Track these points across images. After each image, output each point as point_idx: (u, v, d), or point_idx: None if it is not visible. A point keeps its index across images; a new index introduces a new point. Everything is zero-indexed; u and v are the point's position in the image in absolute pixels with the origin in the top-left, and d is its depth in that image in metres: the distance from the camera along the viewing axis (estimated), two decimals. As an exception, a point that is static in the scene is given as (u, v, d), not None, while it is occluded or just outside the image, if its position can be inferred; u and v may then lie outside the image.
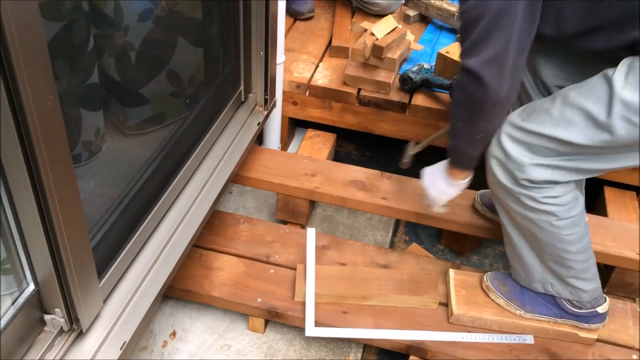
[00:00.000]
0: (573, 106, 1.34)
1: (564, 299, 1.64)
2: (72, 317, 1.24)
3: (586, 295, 1.63)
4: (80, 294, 1.21)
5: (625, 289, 1.96)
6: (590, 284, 1.62)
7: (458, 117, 1.48)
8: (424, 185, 1.71)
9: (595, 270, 1.62)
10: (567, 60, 1.58)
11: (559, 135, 1.36)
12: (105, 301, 1.35)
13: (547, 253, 1.57)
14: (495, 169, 1.50)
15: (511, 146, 1.44)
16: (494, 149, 1.50)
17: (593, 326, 1.67)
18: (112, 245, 1.40)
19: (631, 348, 1.71)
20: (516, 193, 1.48)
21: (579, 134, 1.34)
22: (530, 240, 1.58)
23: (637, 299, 1.98)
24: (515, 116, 1.46)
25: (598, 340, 1.70)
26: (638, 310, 1.81)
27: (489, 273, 1.76)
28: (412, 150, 1.95)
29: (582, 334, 1.68)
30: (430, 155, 1.93)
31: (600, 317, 1.67)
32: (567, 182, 1.46)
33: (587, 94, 1.33)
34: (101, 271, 1.33)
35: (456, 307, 1.71)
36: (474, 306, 1.72)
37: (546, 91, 1.65)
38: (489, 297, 1.73)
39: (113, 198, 1.47)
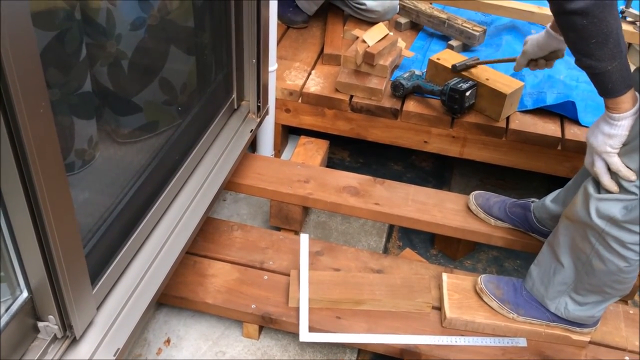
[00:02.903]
0: None
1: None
2: (66, 324, 1.25)
3: (591, 320, 1.66)
4: (73, 301, 1.22)
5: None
6: (602, 311, 1.64)
7: (575, 41, 1.34)
8: (588, 138, 1.49)
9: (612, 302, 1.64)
10: None
11: None
12: (98, 308, 1.36)
13: (589, 284, 1.56)
14: (591, 202, 1.46)
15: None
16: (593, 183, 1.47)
17: (585, 330, 1.68)
18: (105, 252, 1.41)
19: (623, 350, 1.72)
20: (602, 232, 1.46)
21: None
22: (581, 269, 1.56)
23: (629, 301, 1.99)
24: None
25: (591, 342, 1.71)
26: (630, 312, 1.82)
27: (482, 276, 1.77)
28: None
29: (575, 337, 1.69)
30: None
31: (593, 320, 1.68)
32: None
33: None
34: (94, 278, 1.34)
35: (449, 311, 1.71)
36: (467, 310, 1.72)
37: None
38: (482, 299, 1.74)
39: (106, 206, 1.48)
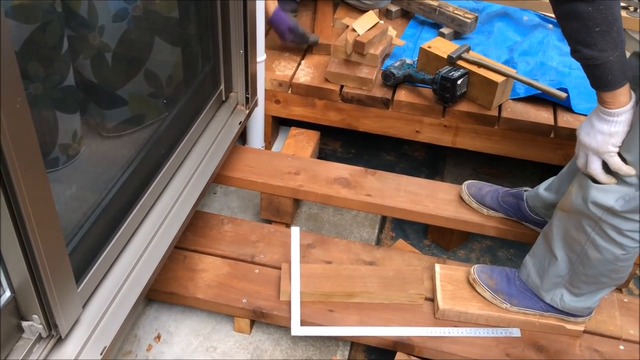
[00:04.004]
0: None
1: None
2: (51, 323, 1.23)
3: (587, 311, 1.65)
4: (57, 300, 1.19)
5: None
6: (597, 302, 1.63)
7: (571, 31, 1.28)
8: (582, 140, 1.41)
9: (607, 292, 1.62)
10: None
11: None
12: (84, 306, 1.33)
13: (585, 275, 1.54)
14: (586, 191, 1.43)
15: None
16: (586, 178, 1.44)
17: (580, 319, 1.67)
18: (90, 249, 1.38)
19: (618, 338, 1.71)
20: (599, 219, 1.42)
21: None
22: (575, 260, 1.54)
23: (623, 290, 1.98)
24: None
25: (585, 331, 1.70)
26: (625, 300, 1.81)
27: (475, 266, 1.75)
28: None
29: (569, 327, 1.68)
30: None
31: (588, 311, 1.67)
32: None
33: None
34: (79, 276, 1.32)
35: (442, 302, 1.70)
36: (460, 301, 1.71)
37: None
38: (475, 290, 1.72)
39: (92, 201, 1.45)
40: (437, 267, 1.79)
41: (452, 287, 1.74)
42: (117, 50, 1.54)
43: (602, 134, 1.35)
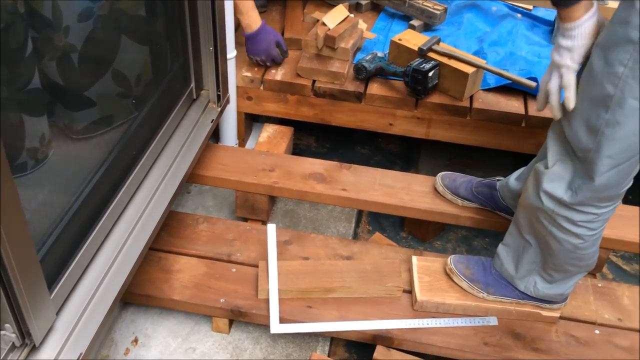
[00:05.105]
0: None
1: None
2: (24, 332, 1.20)
3: (560, 298, 1.67)
4: (30, 308, 1.17)
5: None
6: (571, 288, 1.65)
7: None
8: (551, 57, 1.42)
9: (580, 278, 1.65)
10: None
11: None
12: (58, 313, 1.31)
13: (553, 263, 1.57)
14: (539, 185, 1.47)
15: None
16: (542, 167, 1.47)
17: (555, 306, 1.69)
18: (62, 254, 1.36)
19: (593, 323, 1.74)
20: (552, 212, 1.47)
21: None
22: (542, 250, 1.58)
23: (597, 275, 2.01)
24: None
25: (561, 317, 1.72)
26: (599, 285, 1.84)
27: (452, 256, 1.76)
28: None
29: (545, 313, 1.70)
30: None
31: (562, 297, 1.69)
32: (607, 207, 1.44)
33: None
34: (52, 282, 1.29)
35: (420, 294, 1.71)
36: (438, 292, 1.72)
37: None
38: (452, 280, 1.73)
39: (62, 205, 1.42)
40: (414, 259, 1.79)
41: (429, 279, 1.75)
42: (83, 50, 1.50)
43: (564, 49, 1.37)
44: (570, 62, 1.37)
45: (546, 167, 1.47)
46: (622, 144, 1.31)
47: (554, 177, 1.45)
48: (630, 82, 1.24)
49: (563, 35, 1.36)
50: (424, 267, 1.78)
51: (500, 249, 1.69)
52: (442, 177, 1.99)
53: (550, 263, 1.57)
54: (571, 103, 1.37)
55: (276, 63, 2.27)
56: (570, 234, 1.48)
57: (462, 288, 1.72)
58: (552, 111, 1.43)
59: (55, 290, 1.29)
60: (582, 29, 1.33)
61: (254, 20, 2.16)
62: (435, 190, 1.99)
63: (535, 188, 1.50)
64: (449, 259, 1.76)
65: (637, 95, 1.25)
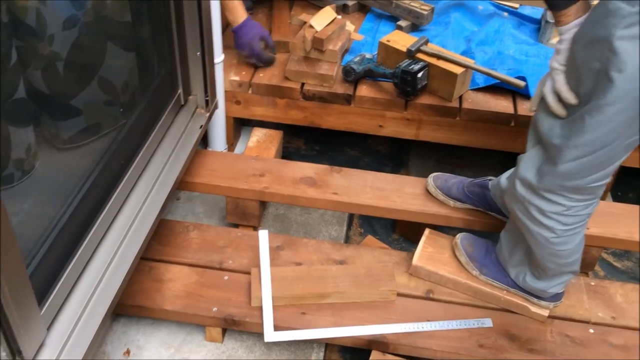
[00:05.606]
0: None
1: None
2: (14, 349, 1.17)
3: (546, 294, 1.68)
4: (20, 325, 1.14)
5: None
6: (559, 287, 1.67)
7: None
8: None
9: (569, 278, 1.66)
10: None
11: None
12: (49, 328, 1.28)
13: (536, 258, 1.60)
14: (519, 167, 1.52)
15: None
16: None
17: (543, 303, 1.70)
18: (52, 268, 1.33)
19: (587, 322, 1.74)
20: (524, 200, 1.50)
21: None
22: (525, 242, 1.61)
23: (589, 273, 2.01)
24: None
25: (555, 317, 1.72)
26: (591, 284, 1.84)
27: (462, 233, 1.82)
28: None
29: (533, 309, 1.70)
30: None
31: (554, 297, 1.70)
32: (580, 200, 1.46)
33: None
34: (42, 297, 1.27)
35: (416, 259, 1.77)
36: (435, 262, 1.78)
37: None
38: (454, 254, 1.79)
39: (50, 217, 1.40)
40: (427, 230, 1.86)
41: (432, 250, 1.81)
42: (68, 58, 1.48)
43: (555, 51, 1.41)
44: (556, 64, 1.40)
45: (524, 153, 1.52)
46: (589, 136, 1.34)
47: (527, 161, 1.50)
48: (601, 80, 1.27)
49: (558, 38, 1.40)
50: (433, 239, 1.85)
51: (502, 234, 1.72)
52: (434, 178, 1.98)
53: (534, 257, 1.60)
54: (571, 102, 1.38)
55: (261, 60, 2.24)
56: (541, 226, 1.51)
57: (460, 263, 1.77)
58: (555, 111, 1.43)
59: (46, 306, 1.27)
60: (570, 33, 1.36)
61: (239, 15, 2.17)
62: (427, 191, 1.99)
63: (513, 175, 1.55)
64: (458, 235, 1.81)
65: (605, 92, 1.27)
